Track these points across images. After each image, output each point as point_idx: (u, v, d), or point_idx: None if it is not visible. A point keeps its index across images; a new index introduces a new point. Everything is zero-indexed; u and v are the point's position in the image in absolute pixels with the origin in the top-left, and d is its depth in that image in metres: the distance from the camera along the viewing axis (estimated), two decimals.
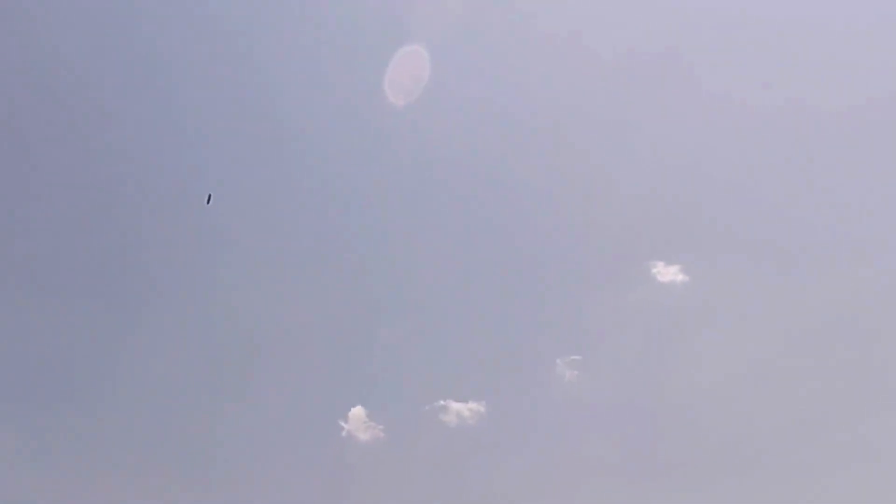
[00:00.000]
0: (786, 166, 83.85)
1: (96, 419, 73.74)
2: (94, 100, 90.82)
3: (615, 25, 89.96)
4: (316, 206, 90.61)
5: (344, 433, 74.12)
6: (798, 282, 78.02)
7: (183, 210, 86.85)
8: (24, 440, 70.29)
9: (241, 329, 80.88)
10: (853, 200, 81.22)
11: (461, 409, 74.29)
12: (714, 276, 79.72)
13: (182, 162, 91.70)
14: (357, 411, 74.43)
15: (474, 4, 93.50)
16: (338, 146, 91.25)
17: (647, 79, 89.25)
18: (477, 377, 76.80)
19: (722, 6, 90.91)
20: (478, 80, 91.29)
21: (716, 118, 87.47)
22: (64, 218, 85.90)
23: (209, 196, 64.43)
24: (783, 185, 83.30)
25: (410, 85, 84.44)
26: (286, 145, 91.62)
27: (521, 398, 76.00)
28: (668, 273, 79.05)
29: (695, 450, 72.16)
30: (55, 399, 75.22)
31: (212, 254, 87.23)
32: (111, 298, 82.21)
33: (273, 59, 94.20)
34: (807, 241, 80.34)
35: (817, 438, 69.82)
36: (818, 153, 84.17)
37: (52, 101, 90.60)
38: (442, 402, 74.58)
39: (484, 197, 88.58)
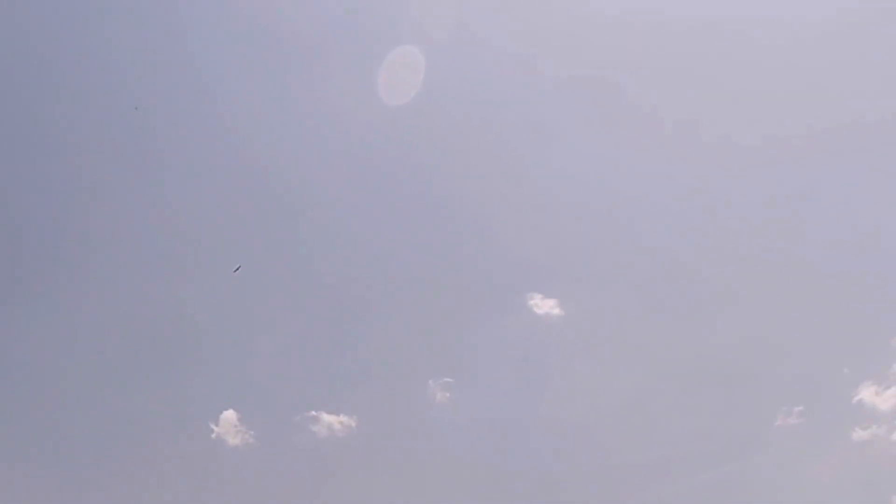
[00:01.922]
0: (668, 203, 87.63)
1: None
2: None
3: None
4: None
5: (214, 436, 75.43)
6: (672, 321, 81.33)
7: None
8: None
9: (120, 321, 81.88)
10: (730, 240, 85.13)
11: (332, 421, 76.32)
12: (590, 311, 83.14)
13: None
14: (228, 415, 75.84)
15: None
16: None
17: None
18: (350, 391, 79.03)
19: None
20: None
21: (603, 151, 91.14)
22: None
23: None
24: (664, 222, 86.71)
25: (405, 85, 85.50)
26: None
27: (393, 415, 78.19)
28: (545, 305, 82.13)
29: (559, 478, 74.54)
30: None
31: (108, 247, 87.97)
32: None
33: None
34: (683, 281, 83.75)
35: (685, 476, 71.80)
36: (698, 191, 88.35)
37: None
38: (314, 413, 76.48)
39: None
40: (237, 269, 75.89)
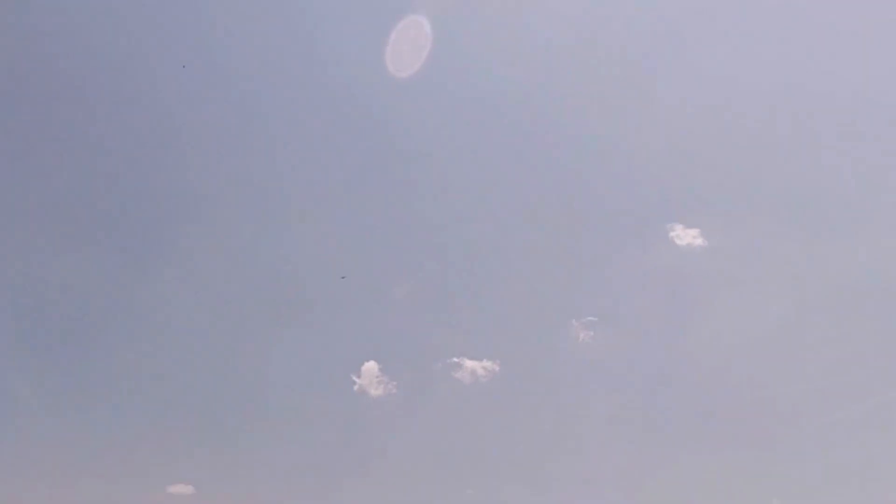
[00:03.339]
0: (810, 128, 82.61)
1: (113, 364, 73.68)
2: None
3: None
4: (323, 175, 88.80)
5: (356, 388, 73.77)
6: (821, 249, 77.28)
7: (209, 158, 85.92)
8: (43, 381, 70.52)
9: (258, 279, 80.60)
10: (879, 163, 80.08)
11: (475, 367, 73.83)
12: (733, 241, 79.10)
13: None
14: (370, 366, 73.86)
15: None
16: (338, 119, 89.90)
17: (665, 37, 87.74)
18: (492, 335, 76.53)
19: None
20: (479, 51, 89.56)
21: (740, 76, 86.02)
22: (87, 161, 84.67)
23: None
24: (808, 147, 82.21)
25: (411, 57, 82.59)
26: (286, 117, 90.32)
27: (536, 358, 75.71)
28: (686, 236, 78.02)
29: (707, 414, 72.14)
30: (75, 341, 75.24)
31: (234, 204, 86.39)
32: (134, 240, 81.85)
33: (272, 31, 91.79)
34: (830, 207, 79.50)
35: (834, 408, 69.49)
36: (844, 116, 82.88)
37: None
38: (456, 360, 74.13)
39: (497, 161, 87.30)
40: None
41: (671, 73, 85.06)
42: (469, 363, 73.73)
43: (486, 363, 73.79)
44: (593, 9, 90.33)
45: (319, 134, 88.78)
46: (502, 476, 69.72)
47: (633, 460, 70.05)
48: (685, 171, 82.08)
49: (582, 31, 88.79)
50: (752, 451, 69.04)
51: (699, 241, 77.77)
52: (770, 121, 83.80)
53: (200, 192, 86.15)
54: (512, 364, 74.51)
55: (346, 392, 73.60)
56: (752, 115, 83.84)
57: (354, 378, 73.58)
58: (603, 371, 75.27)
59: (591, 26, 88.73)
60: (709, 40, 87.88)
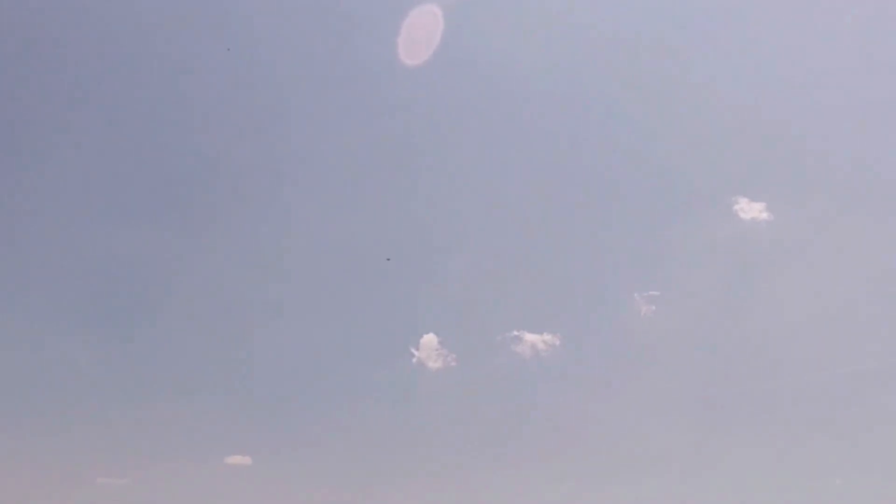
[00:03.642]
0: (881, 105, 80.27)
1: (172, 338, 73.86)
2: None
3: None
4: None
5: (415, 360, 72.92)
6: (887, 226, 75.42)
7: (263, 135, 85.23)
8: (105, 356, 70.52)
9: (317, 252, 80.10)
10: None
11: (535, 341, 72.81)
12: (799, 215, 77.39)
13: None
14: (429, 339, 72.90)
15: None
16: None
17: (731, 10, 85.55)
18: (553, 309, 75.41)
19: None
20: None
21: (812, 48, 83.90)
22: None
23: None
24: (877, 124, 79.69)
25: (424, 45, 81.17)
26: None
27: (597, 332, 74.79)
28: (751, 210, 76.15)
29: (769, 391, 70.57)
30: (136, 316, 75.09)
31: (287, 180, 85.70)
32: (191, 215, 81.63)
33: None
34: None
35: None
36: None
37: None
38: (516, 333, 73.05)
39: (558, 137, 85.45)
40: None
41: (737, 44, 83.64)
42: (529, 336, 72.88)
43: (547, 336, 72.95)
44: None
45: (353, 116, 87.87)
46: (561, 451, 69.02)
47: (694, 437, 69.04)
48: (751, 143, 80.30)
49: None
50: (815, 430, 67.97)
51: (764, 216, 76.13)
52: (840, 96, 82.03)
53: (250, 169, 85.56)
54: (573, 338, 73.85)
55: (405, 365, 73.12)
56: (823, 89, 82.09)
57: (413, 351, 73.01)
58: (664, 346, 74.17)
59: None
60: (779, 10, 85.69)
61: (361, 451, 69.37)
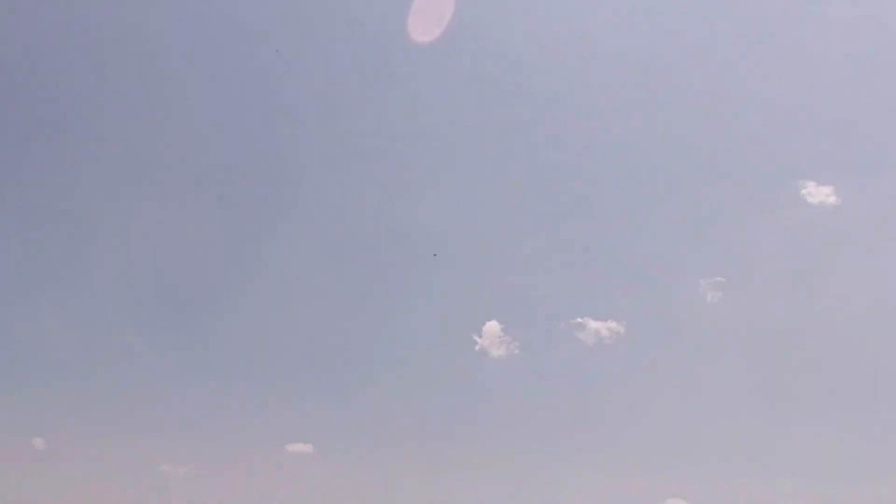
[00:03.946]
0: None
1: (235, 325, 73.75)
2: None
3: None
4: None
5: (477, 348, 72.01)
6: None
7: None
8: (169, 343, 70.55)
9: (380, 238, 79.86)
10: None
11: (599, 328, 71.67)
12: (868, 199, 75.39)
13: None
14: (491, 326, 71.81)
15: None
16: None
17: None
18: (617, 295, 74.41)
19: None
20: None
21: (872, 33, 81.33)
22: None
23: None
24: None
25: (433, 23, 79.81)
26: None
27: (661, 319, 73.50)
28: (819, 194, 74.42)
29: (837, 378, 69.08)
30: (199, 304, 75.30)
31: (347, 166, 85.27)
32: (254, 202, 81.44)
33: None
34: None
35: None
36: None
37: None
38: (579, 320, 71.97)
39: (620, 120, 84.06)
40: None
41: (804, 24, 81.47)
42: (593, 323, 71.74)
43: (611, 324, 71.69)
44: None
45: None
46: (626, 440, 67.80)
47: (762, 426, 67.41)
48: (818, 126, 78.54)
49: None
50: (885, 416, 65.70)
51: (832, 200, 74.36)
52: None
53: (313, 153, 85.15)
54: (637, 325, 72.49)
55: (468, 352, 72.30)
56: (890, 68, 79.69)
57: (476, 338, 72.03)
58: (730, 333, 72.62)
59: None
60: None
61: (422, 438, 69.16)
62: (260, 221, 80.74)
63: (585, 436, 68.75)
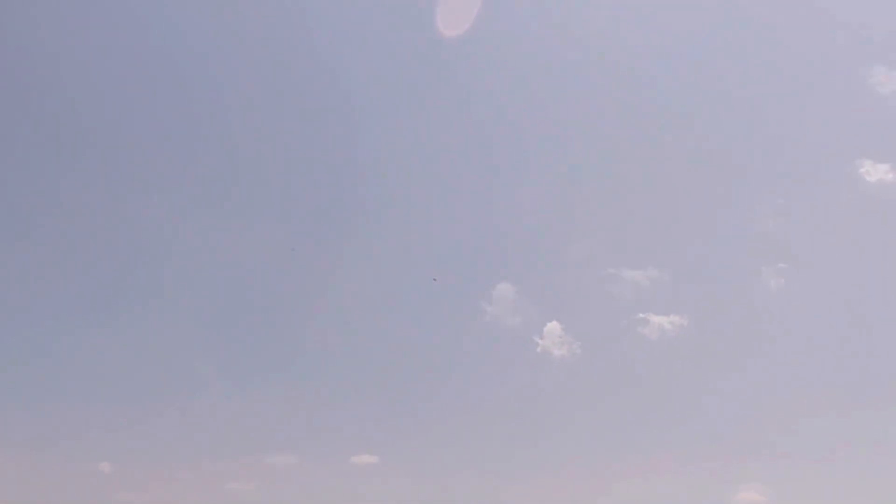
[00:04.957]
0: None
1: (300, 340, 73.50)
2: None
3: None
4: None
5: (539, 349, 70.84)
6: None
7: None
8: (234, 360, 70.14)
9: (434, 244, 78.79)
10: None
11: (662, 322, 70.10)
12: None
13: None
14: (552, 326, 70.62)
15: None
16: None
17: None
18: (679, 289, 72.68)
19: None
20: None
21: None
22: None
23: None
24: None
25: (462, 16, 79.52)
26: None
27: (726, 309, 71.82)
28: (876, 172, 72.53)
29: None
30: (262, 319, 74.88)
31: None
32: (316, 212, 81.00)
33: None
34: None
35: None
36: None
37: None
38: (642, 315, 70.51)
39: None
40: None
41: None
42: (656, 318, 70.19)
43: (674, 318, 70.19)
44: None
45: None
46: (695, 431, 66.12)
47: (836, 416, 65.08)
48: (871, 103, 76.29)
49: None
50: None
51: (890, 177, 72.53)
52: None
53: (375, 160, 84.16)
54: (701, 317, 71.08)
55: (530, 354, 71.07)
56: None
57: (537, 340, 70.95)
58: (797, 319, 70.94)
59: None
60: None
61: (488, 445, 67.81)
62: (322, 233, 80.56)
63: (655, 431, 67.03)
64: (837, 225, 73.23)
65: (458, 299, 75.18)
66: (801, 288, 71.41)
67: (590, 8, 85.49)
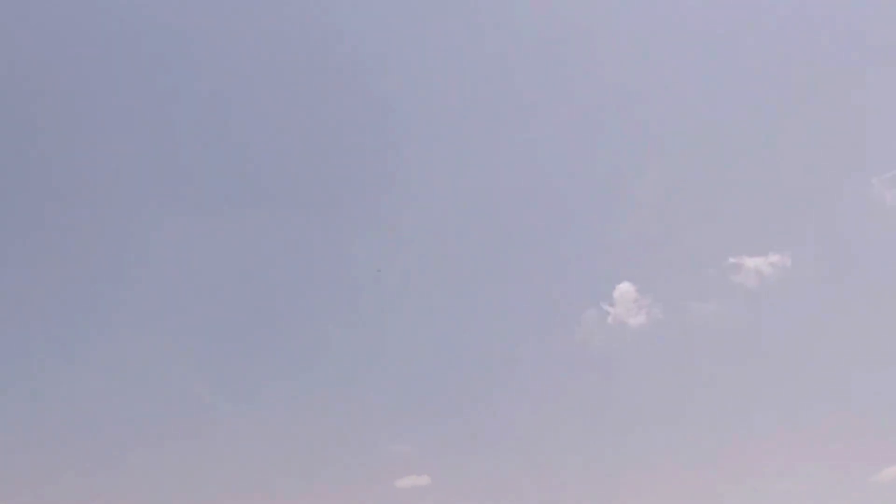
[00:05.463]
0: None
1: (343, 355, 60.26)
2: None
3: None
4: None
5: (610, 319, 57.40)
6: None
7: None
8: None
9: (494, 203, 65.94)
10: None
11: (759, 265, 56.95)
12: None
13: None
14: (624, 288, 57.44)
15: None
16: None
17: None
18: (775, 222, 59.34)
19: None
20: None
21: None
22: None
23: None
24: None
25: None
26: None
27: (834, 234, 58.26)
28: None
29: None
30: (301, 333, 62.39)
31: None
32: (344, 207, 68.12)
33: None
34: None
35: None
36: None
37: None
38: (732, 260, 57.25)
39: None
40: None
41: None
42: (750, 261, 57.00)
43: (774, 257, 56.81)
44: None
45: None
46: (828, 401, 52.82)
47: None
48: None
49: None
50: None
51: None
52: None
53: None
54: (807, 253, 57.55)
55: (600, 326, 57.64)
56: None
57: (607, 307, 57.44)
58: None
59: None
60: None
61: (554, 457, 54.35)
62: (349, 232, 67.11)
63: (774, 405, 53.62)
64: None
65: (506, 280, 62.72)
66: None
67: None
